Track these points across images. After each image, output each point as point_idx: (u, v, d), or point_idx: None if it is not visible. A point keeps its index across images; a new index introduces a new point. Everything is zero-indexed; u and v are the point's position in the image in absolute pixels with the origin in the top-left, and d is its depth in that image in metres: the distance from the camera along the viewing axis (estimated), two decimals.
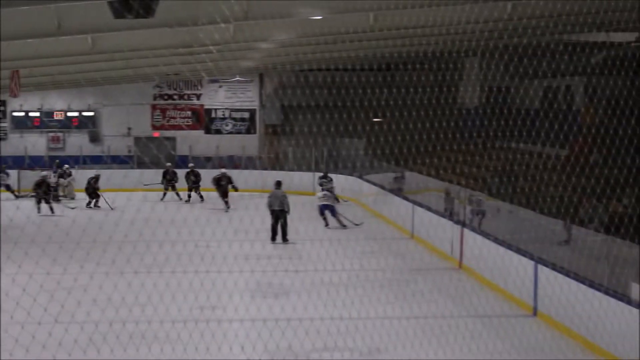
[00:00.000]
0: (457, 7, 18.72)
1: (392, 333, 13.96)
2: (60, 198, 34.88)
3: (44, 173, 32.90)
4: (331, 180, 33.44)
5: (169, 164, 36.89)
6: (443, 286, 18.10)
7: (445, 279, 18.87)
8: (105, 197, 31.57)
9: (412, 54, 29.29)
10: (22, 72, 24.87)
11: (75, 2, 14.85)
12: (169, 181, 35.36)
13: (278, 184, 24.46)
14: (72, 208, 30.77)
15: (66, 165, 36.86)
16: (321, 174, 34.50)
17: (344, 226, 26.73)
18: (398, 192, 29.26)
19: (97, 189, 32.75)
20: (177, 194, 35.13)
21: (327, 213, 26.84)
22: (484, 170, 27.06)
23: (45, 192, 30.78)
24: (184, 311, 15.20)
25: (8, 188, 36.13)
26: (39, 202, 30.79)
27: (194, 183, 34.99)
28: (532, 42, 26.77)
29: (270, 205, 23.73)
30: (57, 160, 38.01)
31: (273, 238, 23.53)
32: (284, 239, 23.45)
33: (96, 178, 33.19)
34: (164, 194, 34.92)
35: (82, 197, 33.37)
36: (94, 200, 32.64)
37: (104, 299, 15.52)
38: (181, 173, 35.55)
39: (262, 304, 16.03)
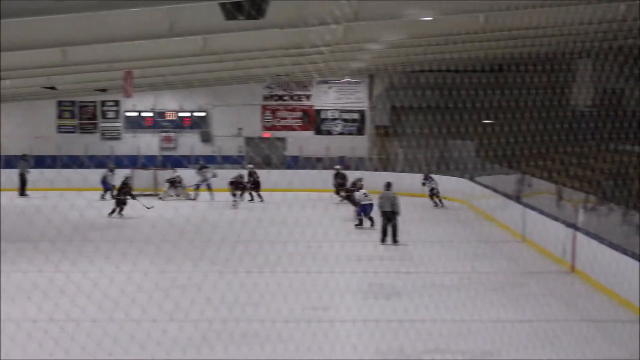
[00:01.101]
0: (570, 7, 18.51)
1: (504, 336, 13.86)
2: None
3: (127, 173, 33.11)
4: (432, 180, 33.64)
5: (250, 165, 37.19)
6: (555, 290, 17.88)
7: (558, 283, 18.64)
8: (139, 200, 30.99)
9: (524, 55, 29.03)
10: (135, 73, 25.34)
11: (187, 4, 15.09)
12: (253, 183, 35.66)
13: (388, 185, 24.44)
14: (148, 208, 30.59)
15: (177, 174, 37.17)
16: (423, 175, 34.66)
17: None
18: (518, 196, 28.91)
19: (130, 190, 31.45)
20: (259, 196, 35.40)
21: (362, 214, 26.99)
22: (598, 173, 26.65)
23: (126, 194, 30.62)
24: (296, 311, 15.32)
25: (106, 186, 36.13)
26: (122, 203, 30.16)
27: (252, 184, 35.27)
28: None
29: (381, 207, 23.73)
30: (201, 162, 38.48)
31: (383, 239, 23.53)
32: (395, 240, 23.44)
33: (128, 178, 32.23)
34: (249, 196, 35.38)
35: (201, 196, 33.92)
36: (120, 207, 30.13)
37: (217, 298, 15.77)
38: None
39: (374, 305, 16.05)
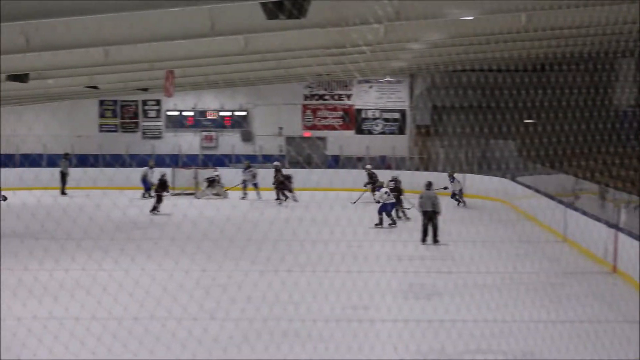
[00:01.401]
0: (613, 6, 18.37)
1: (546, 337, 13.81)
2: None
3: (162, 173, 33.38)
4: (453, 180, 33.94)
5: (276, 163, 37.23)
6: (597, 290, 17.77)
7: (599, 283, 18.53)
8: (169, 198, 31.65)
9: (566, 54, 28.84)
10: (177, 72, 25.46)
11: (229, 3, 15.13)
12: (281, 182, 35.73)
13: (429, 184, 24.42)
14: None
15: (216, 173, 37.39)
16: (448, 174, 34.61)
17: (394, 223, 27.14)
18: (574, 201, 28.58)
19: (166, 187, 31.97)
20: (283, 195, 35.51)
21: (384, 213, 27.05)
22: None
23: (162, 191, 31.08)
24: (336, 310, 15.34)
25: (146, 185, 36.41)
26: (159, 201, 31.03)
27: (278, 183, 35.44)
28: None
29: (422, 206, 23.70)
30: (247, 161, 38.59)
31: (424, 239, 23.50)
32: (435, 240, 23.40)
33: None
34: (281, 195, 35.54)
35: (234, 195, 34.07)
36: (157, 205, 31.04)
37: (258, 297, 15.84)
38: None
39: (415, 304, 16.03)
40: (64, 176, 38.07)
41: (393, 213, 27.42)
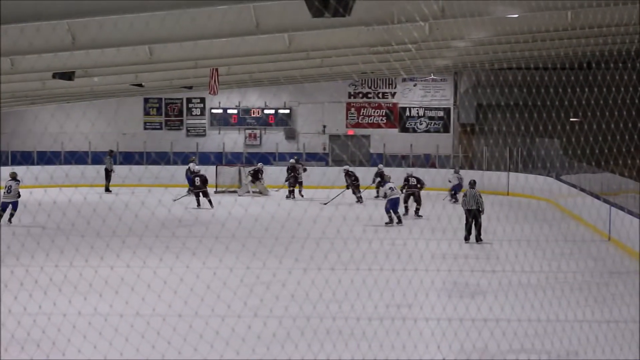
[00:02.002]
0: None
1: (590, 336, 13.70)
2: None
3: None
4: (459, 177, 34.45)
5: (292, 160, 37.41)
6: None
7: None
8: (209, 197, 32.47)
9: (613, 52, 28.63)
10: (221, 70, 25.59)
11: (274, 2, 15.19)
12: (295, 178, 36.06)
13: (473, 183, 24.35)
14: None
15: (260, 164, 37.71)
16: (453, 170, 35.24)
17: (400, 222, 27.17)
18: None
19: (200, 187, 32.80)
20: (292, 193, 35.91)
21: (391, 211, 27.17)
22: None
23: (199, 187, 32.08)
24: (380, 308, 15.33)
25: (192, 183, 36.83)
26: (197, 196, 32.45)
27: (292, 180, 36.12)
28: None
29: (465, 205, 23.65)
30: (295, 157, 38.91)
31: (467, 237, 23.45)
32: (478, 238, 23.33)
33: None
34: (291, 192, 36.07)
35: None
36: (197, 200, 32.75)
37: (301, 295, 15.85)
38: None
39: (459, 303, 15.99)
40: (108, 173, 38.45)
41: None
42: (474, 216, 23.44)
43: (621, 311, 15.52)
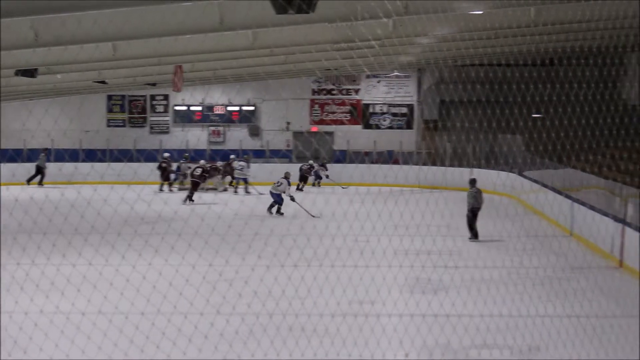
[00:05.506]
0: (623, 0, 18.36)
1: (552, 331, 13.80)
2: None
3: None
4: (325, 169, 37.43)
5: (232, 156, 38.55)
6: (604, 285, 17.74)
7: (606, 278, 18.50)
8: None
9: (575, 48, 28.80)
10: (185, 67, 25.51)
11: None
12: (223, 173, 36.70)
13: (473, 181, 24.34)
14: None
15: (232, 156, 38.04)
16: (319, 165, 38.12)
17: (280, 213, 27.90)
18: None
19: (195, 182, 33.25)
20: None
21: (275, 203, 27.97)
22: None
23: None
24: (342, 305, 15.33)
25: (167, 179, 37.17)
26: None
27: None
28: None
29: (469, 204, 23.71)
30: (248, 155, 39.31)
31: (475, 235, 23.56)
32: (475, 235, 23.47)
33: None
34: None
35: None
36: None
37: (264, 292, 15.88)
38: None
39: (421, 299, 16.05)
40: (40, 170, 38.57)
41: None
42: (475, 214, 23.53)
43: (583, 306, 15.62)
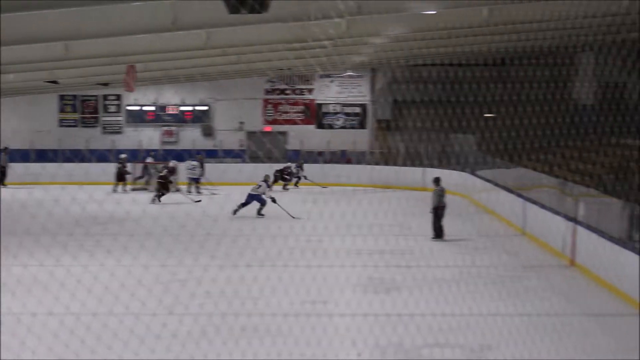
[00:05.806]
0: (574, 1, 18.51)
1: (503, 330, 13.86)
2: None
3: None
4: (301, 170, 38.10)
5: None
6: (555, 283, 17.87)
7: (558, 277, 18.65)
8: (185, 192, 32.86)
9: (527, 48, 29.00)
10: (138, 67, 25.37)
11: None
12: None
13: (437, 180, 24.15)
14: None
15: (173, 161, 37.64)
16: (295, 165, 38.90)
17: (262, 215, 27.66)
18: None
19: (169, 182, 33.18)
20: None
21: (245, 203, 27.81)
22: (599, 167, 26.62)
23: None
24: (295, 305, 15.32)
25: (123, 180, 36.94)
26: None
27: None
28: None
29: (434, 203, 23.50)
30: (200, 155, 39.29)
31: (440, 235, 23.41)
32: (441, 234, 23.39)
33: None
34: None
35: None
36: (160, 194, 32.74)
37: (217, 292, 15.82)
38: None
39: (374, 298, 16.05)
40: (3, 169, 38.28)
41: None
42: (441, 214, 23.40)
43: (534, 304, 15.74)
